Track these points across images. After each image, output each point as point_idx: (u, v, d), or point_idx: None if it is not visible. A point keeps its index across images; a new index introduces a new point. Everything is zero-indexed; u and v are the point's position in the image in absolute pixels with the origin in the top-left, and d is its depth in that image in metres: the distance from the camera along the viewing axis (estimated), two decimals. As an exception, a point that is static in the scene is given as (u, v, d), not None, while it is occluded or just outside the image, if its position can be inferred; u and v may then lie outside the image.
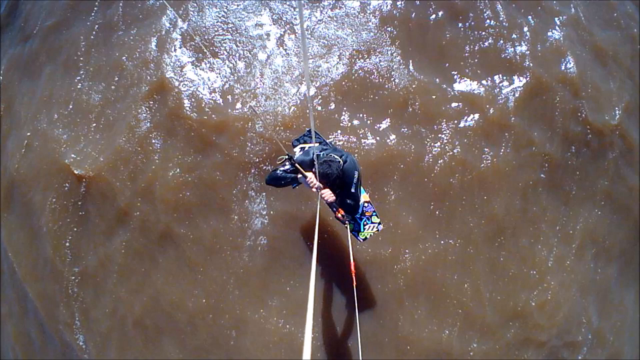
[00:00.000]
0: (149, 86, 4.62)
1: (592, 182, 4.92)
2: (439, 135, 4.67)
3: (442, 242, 4.53)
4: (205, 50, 4.59)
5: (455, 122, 4.69)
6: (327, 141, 3.85)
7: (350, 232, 3.78)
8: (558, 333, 4.84)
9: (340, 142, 4.53)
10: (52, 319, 4.82)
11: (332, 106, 4.58)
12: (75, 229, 4.75)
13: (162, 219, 4.49)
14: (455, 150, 4.58)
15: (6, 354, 5.40)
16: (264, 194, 4.46)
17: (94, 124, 4.83)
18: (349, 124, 4.57)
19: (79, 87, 4.96)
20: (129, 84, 4.76)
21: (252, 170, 4.45)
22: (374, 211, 3.92)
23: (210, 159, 4.49)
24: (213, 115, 4.47)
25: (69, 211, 4.77)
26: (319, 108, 4.52)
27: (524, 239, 4.68)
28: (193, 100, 4.52)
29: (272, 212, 4.43)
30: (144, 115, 4.59)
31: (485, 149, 4.67)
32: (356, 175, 2.97)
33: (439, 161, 4.59)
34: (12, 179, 5.12)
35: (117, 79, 4.85)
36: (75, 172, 4.64)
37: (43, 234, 4.89)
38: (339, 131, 4.53)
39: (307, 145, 3.58)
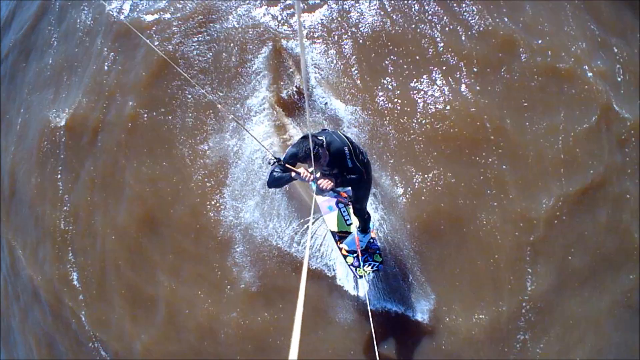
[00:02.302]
0: (106, 18, 5.41)
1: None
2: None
3: None
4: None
5: None
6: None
7: (349, 265, 3.76)
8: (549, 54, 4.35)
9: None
10: (51, 288, 5.00)
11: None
12: (61, 165, 5.17)
13: (128, 105, 4.87)
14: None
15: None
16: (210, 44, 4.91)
17: (72, 65, 5.53)
18: None
19: (54, 45, 5.82)
20: (92, 26, 5.55)
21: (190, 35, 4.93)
22: (377, 249, 3.85)
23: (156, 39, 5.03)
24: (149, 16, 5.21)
25: (55, 149, 5.23)
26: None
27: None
28: (137, 11, 5.33)
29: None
30: (106, 36, 5.34)
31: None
32: (347, 150, 3.00)
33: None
34: (12, 165, 5.66)
35: (82, 30, 5.65)
36: (59, 117, 5.23)
37: (39, 190, 5.25)
38: None
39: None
